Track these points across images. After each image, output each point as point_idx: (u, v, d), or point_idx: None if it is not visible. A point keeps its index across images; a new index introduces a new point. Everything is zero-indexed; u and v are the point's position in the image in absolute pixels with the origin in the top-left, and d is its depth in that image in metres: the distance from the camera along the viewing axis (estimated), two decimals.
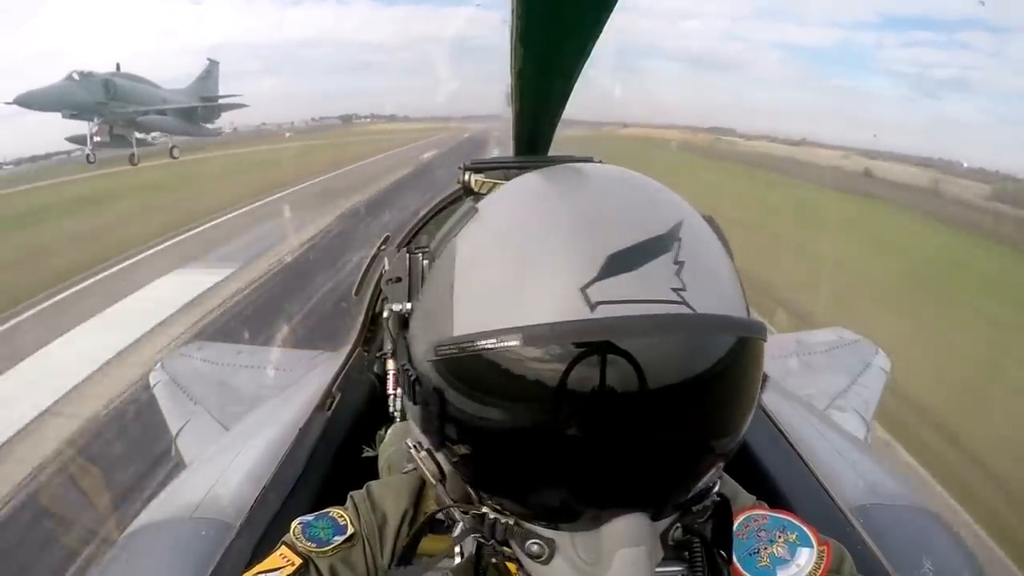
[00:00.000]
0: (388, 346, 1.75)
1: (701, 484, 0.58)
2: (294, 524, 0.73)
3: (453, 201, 1.91)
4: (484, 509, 0.60)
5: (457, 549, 0.75)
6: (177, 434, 2.56)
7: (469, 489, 0.60)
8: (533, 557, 0.57)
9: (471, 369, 0.52)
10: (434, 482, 0.64)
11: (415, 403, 0.59)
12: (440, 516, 0.76)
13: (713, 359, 0.51)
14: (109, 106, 17.64)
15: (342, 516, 0.75)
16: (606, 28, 0.54)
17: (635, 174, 0.64)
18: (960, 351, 7.86)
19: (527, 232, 0.55)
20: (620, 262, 0.50)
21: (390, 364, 1.77)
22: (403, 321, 0.67)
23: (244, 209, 15.39)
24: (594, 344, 0.48)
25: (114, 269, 10.70)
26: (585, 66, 0.63)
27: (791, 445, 1.42)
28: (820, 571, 0.66)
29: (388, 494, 0.79)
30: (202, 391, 2.83)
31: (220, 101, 22.36)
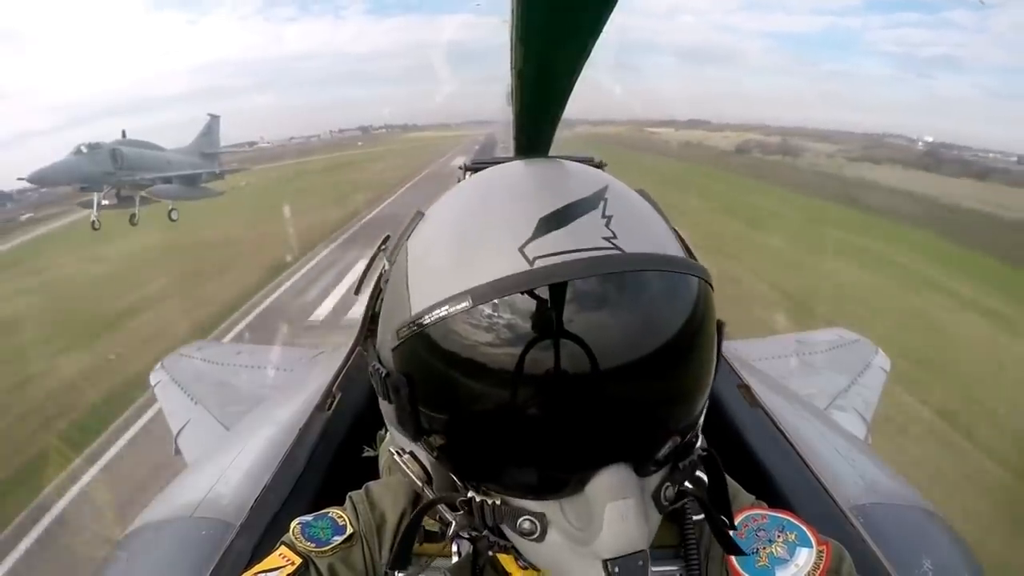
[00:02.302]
0: None
1: (678, 431, 0.58)
2: (294, 524, 0.73)
3: None
4: (470, 494, 0.59)
5: (454, 549, 0.75)
6: (178, 434, 2.56)
7: (456, 480, 0.60)
8: (526, 535, 0.57)
9: (430, 344, 0.54)
10: (420, 484, 0.64)
11: (389, 401, 0.61)
12: (433, 523, 0.76)
13: (653, 298, 0.54)
14: (117, 175, 18.07)
15: (341, 516, 0.75)
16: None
17: (568, 162, 0.70)
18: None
19: (466, 215, 0.62)
20: (551, 222, 0.54)
21: None
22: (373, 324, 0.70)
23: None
24: (539, 298, 0.51)
25: None
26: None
27: (791, 445, 1.42)
28: (819, 571, 0.66)
29: (387, 494, 0.79)
30: (202, 391, 2.83)
31: (221, 167, 22.96)
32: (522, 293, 0.51)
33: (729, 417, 1.50)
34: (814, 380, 2.79)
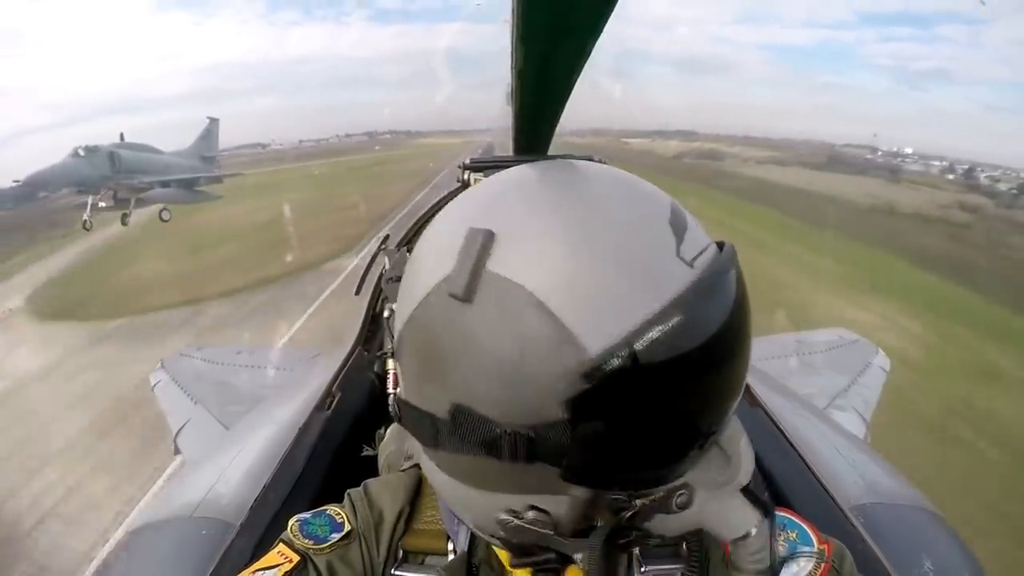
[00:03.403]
0: (388, 345, 1.75)
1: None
2: (292, 521, 0.73)
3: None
4: (637, 502, 0.56)
5: (450, 547, 0.75)
6: (178, 433, 2.57)
7: (606, 495, 0.56)
8: (680, 509, 0.57)
9: (631, 372, 0.49)
10: (546, 531, 0.58)
11: (529, 461, 0.54)
12: (428, 521, 0.76)
13: (742, 286, 0.57)
14: (115, 178, 18.03)
15: (339, 514, 0.75)
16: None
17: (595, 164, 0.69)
18: None
19: (582, 226, 0.53)
20: (676, 226, 0.54)
21: (390, 363, 1.77)
22: None
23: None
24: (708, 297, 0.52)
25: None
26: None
27: (791, 444, 1.42)
28: (820, 570, 0.66)
29: (385, 492, 0.79)
30: (202, 391, 2.84)
31: (220, 172, 23.13)
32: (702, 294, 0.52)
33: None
34: (814, 380, 2.80)
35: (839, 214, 20.59)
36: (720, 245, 0.58)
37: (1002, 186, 28.09)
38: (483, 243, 0.53)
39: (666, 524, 0.58)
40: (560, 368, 0.49)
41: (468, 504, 0.61)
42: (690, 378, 0.52)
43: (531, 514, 0.57)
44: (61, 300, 13.57)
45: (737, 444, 0.60)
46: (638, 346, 0.48)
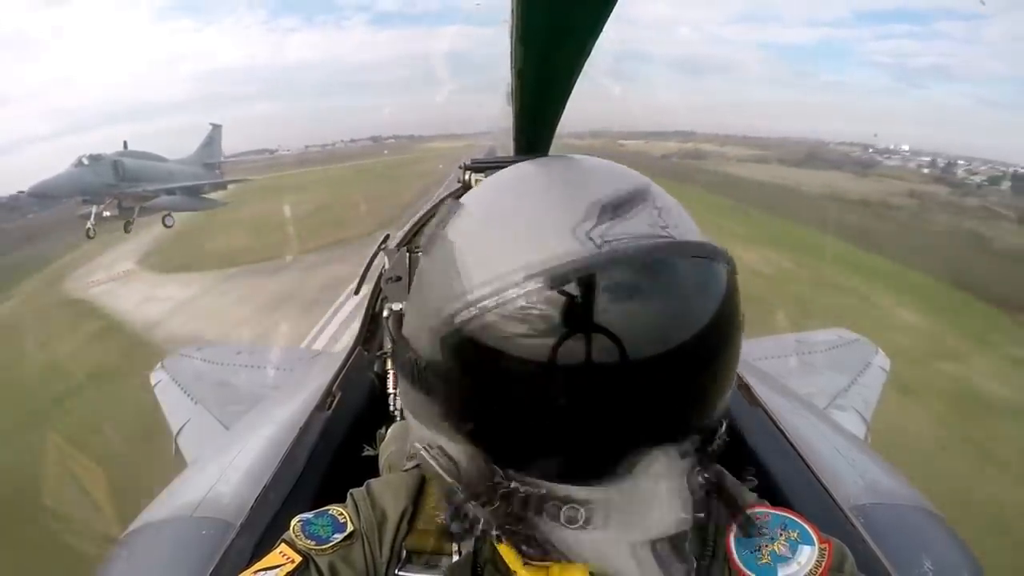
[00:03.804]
0: (388, 345, 1.75)
1: (714, 416, 0.62)
2: (294, 522, 0.73)
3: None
4: (513, 485, 0.57)
5: (455, 547, 0.75)
6: (178, 433, 2.57)
7: (496, 469, 0.58)
8: (569, 524, 0.55)
9: (490, 327, 0.53)
10: (449, 479, 0.62)
11: (426, 392, 0.60)
12: (441, 518, 0.75)
13: (701, 284, 0.58)
14: (119, 187, 18.01)
15: (342, 514, 0.75)
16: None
17: (594, 158, 0.71)
18: None
19: (518, 202, 0.61)
20: (610, 210, 0.56)
21: (390, 363, 1.77)
22: (400, 319, 0.69)
23: None
24: (611, 277, 0.53)
25: None
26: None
27: (791, 444, 1.42)
28: (821, 569, 0.65)
29: (387, 492, 0.79)
30: (202, 391, 2.84)
31: (224, 178, 23.17)
32: (593, 274, 0.53)
33: (729, 416, 1.49)
34: (814, 380, 2.80)
35: (786, 200, 23.62)
36: (722, 261, 0.59)
37: (977, 178, 29.51)
38: (449, 212, 0.64)
39: (564, 539, 0.56)
40: (446, 310, 0.56)
41: (413, 434, 0.69)
42: (549, 354, 0.52)
43: (436, 451, 0.63)
44: (166, 264, 17.02)
45: (657, 487, 0.53)
46: (492, 302, 0.53)
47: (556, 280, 0.52)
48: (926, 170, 33.20)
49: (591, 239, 0.54)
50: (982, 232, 19.46)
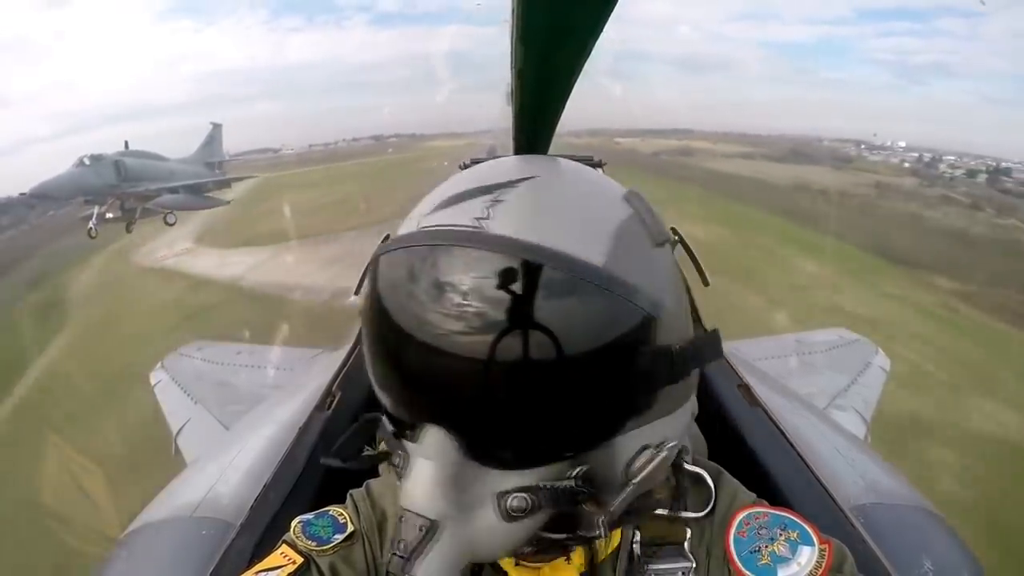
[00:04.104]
0: None
1: (546, 443, 0.57)
2: (294, 523, 0.73)
3: None
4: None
5: None
6: (178, 433, 2.57)
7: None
8: (398, 472, 0.62)
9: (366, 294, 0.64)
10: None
11: None
12: None
13: (504, 278, 0.53)
14: (121, 187, 17.96)
15: (342, 514, 0.75)
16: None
17: (527, 156, 0.76)
18: None
19: (430, 195, 0.68)
20: (447, 203, 0.62)
21: None
22: None
23: None
24: (415, 252, 0.59)
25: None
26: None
27: (791, 444, 1.42)
28: (821, 570, 0.65)
29: (387, 492, 0.79)
30: (202, 390, 2.84)
31: (227, 176, 23.02)
32: (384, 254, 0.62)
33: (729, 416, 1.50)
34: (814, 380, 2.80)
35: (752, 190, 25.78)
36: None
37: (956, 172, 30.67)
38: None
39: (404, 488, 0.60)
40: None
41: None
42: (366, 320, 0.64)
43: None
44: (225, 241, 19.30)
45: (417, 462, 0.58)
46: (381, 251, 0.63)
47: (374, 260, 0.63)
48: (907, 164, 34.24)
49: (419, 225, 0.62)
50: (924, 215, 22.45)
